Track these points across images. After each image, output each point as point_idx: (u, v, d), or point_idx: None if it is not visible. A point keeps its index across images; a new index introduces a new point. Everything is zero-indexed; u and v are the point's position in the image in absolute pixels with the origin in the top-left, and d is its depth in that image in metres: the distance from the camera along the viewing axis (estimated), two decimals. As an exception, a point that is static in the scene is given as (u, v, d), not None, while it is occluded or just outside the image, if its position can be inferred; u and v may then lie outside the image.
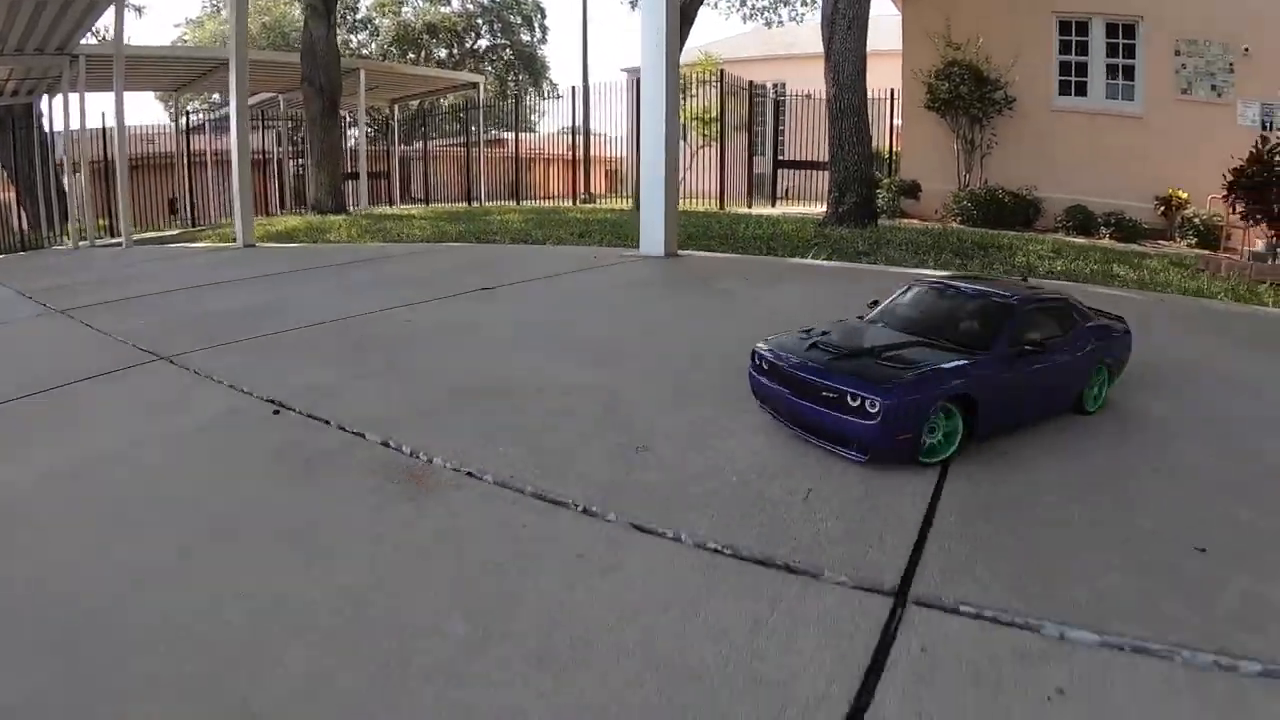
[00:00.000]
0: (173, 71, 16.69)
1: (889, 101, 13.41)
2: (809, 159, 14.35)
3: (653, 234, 5.40)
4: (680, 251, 5.63)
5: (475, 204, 16.36)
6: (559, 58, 43.44)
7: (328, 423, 2.24)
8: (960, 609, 1.30)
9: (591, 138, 18.06)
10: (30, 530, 1.70)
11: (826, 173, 14.00)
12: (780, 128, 15.74)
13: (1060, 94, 10.60)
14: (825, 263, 5.42)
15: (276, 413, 2.37)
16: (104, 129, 16.14)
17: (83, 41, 12.41)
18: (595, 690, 1.13)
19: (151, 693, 1.16)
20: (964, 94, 10.87)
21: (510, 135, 19.78)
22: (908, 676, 1.14)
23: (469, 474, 1.88)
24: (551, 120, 24.11)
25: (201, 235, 13.52)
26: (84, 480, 1.95)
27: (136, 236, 12.86)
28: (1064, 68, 10.57)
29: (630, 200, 14.34)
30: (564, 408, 2.32)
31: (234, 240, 9.90)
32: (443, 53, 26.87)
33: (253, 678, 1.18)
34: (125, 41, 11.47)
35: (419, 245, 8.23)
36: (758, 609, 1.30)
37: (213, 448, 2.14)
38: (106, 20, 13.25)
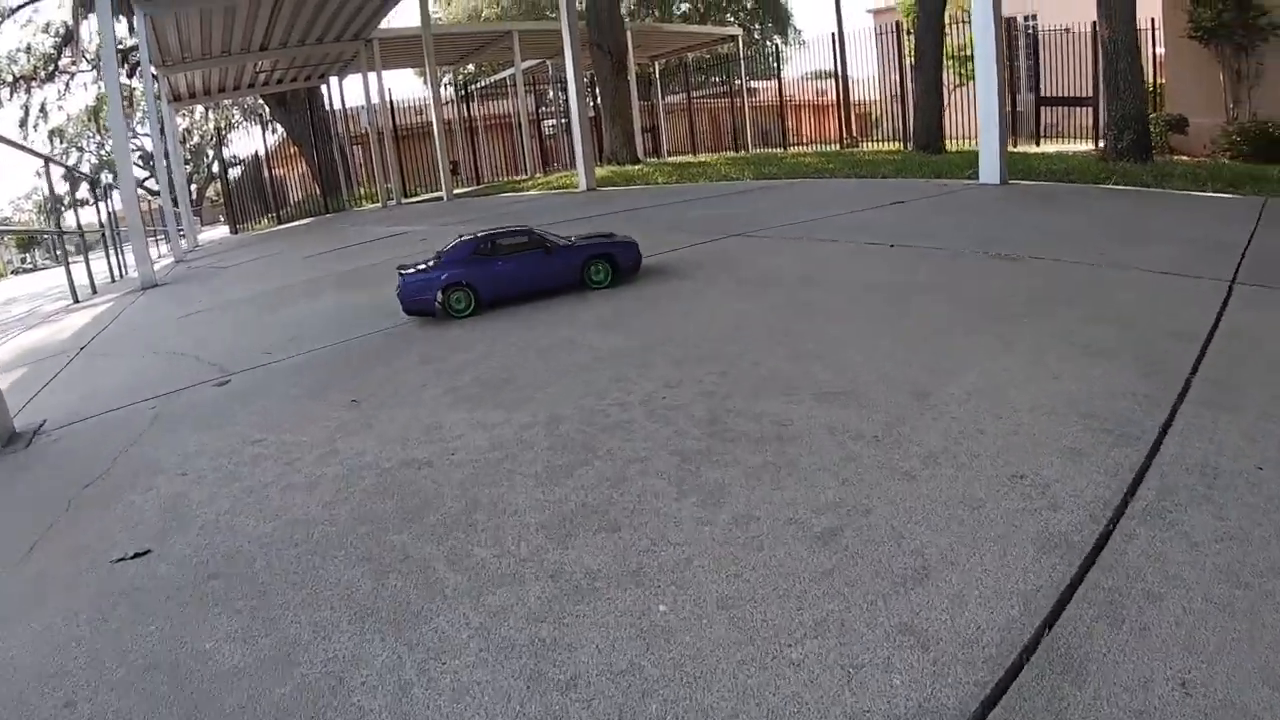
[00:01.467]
0: (456, 47, 20.08)
1: (1149, 31, 13.83)
2: (1068, 94, 15.12)
3: (990, 165, 7.74)
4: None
5: (743, 151, 19.07)
6: (799, 2, 44.21)
7: (912, 246, 5.05)
8: (1250, 284, 3.79)
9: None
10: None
11: (1088, 109, 14.78)
12: (1035, 63, 16.55)
13: (1327, 16, 10.43)
14: (1123, 188, 7.45)
15: (892, 246, 5.21)
16: (390, 104, 18.98)
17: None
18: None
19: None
20: (1226, 20, 10.98)
21: (760, 84, 22.22)
22: (1238, 302, 3.66)
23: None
24: (795, 67, 26.05)
25: (518, 186, 16.74)
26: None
27: (455, 193, 16.31)
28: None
29: (898, 142, 16.14)
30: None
31: (574, 186, 12.93)
32: (685, 5, 29.55)
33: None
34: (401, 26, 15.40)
35: (756, 183, 10.87)
36: (1176, 285, 3.86)
37: (857, 259, 5.03)
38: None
